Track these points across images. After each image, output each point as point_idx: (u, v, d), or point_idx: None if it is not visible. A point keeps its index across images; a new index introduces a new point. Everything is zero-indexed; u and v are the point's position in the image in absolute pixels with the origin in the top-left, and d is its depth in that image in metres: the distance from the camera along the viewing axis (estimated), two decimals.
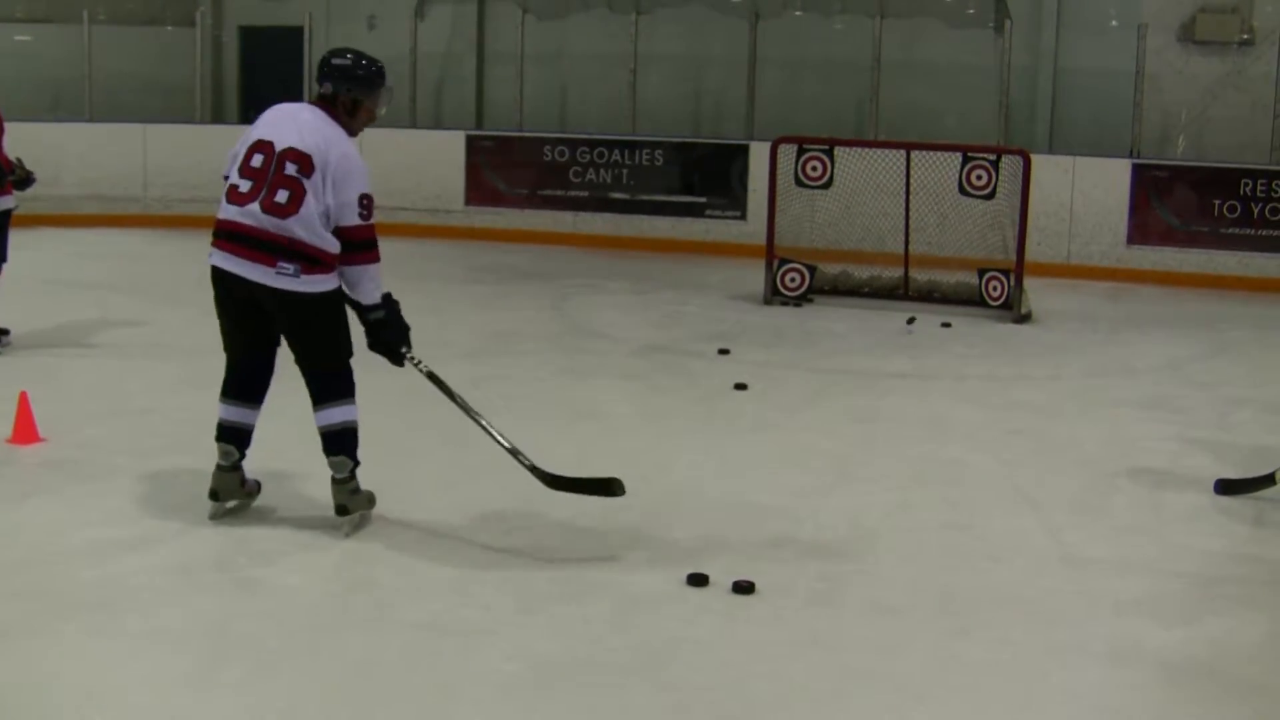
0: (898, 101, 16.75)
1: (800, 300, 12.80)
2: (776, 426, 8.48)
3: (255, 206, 5.92)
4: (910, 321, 11.84)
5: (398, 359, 6.37)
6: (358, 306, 6.20)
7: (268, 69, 20.09)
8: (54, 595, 5.38)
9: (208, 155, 16.93)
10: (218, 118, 20.02)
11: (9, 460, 7.16)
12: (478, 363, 9.85)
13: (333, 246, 5.98)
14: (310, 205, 5.92)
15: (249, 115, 20.01)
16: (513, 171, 17.13)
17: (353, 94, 6.24)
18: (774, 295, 12.82)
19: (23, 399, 7.41)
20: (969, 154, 12.39)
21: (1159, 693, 4.91)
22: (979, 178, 12.24)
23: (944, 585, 5.80)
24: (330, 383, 6.18)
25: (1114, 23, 16.98)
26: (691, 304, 12.79)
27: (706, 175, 16.62)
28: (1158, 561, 6.20)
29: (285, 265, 5.90)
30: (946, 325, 11.92)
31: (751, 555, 6.05)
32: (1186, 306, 13.55)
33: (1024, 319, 12.18)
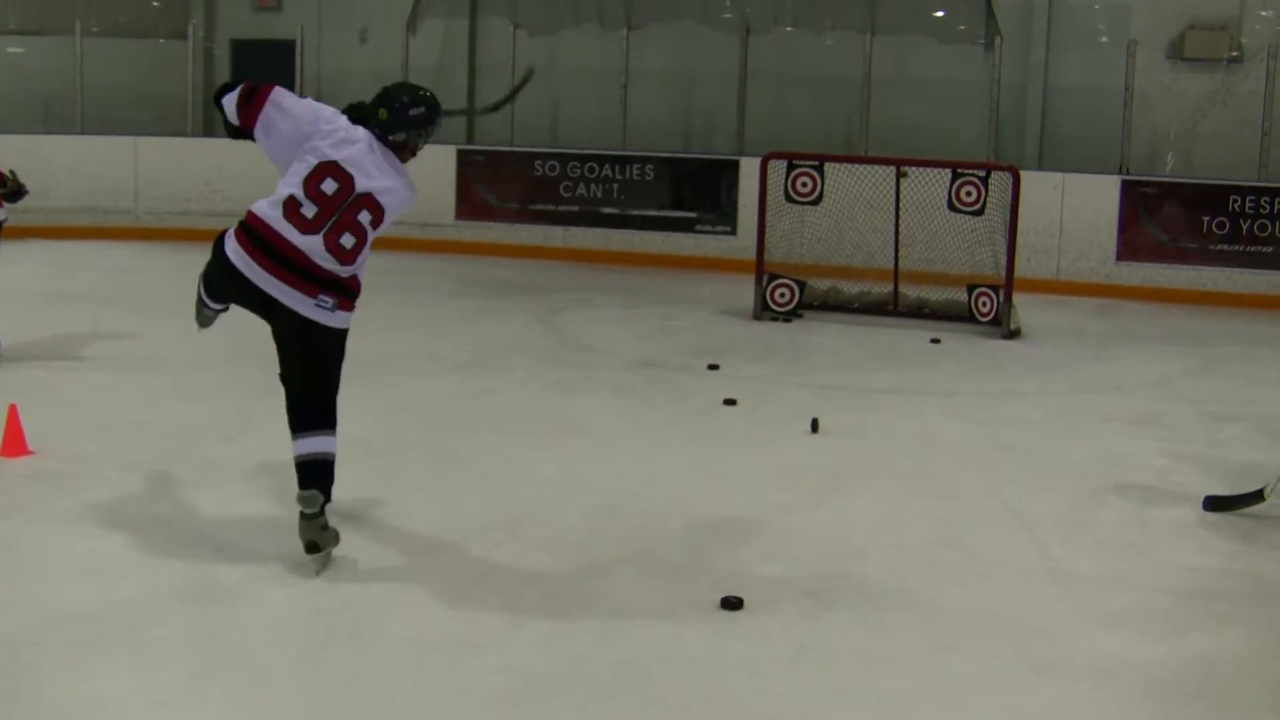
0: (888, 117, 16.79)
1: (790, 316, 12.81)
2: (766, 442, 8.48)
3: (318, 242, 5.79)
4: (935, 341, 11.91)
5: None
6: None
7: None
8: (42, 608, 5.37)
9: (199, 168, 17.10)
10: (209, 130, 19.97)
11: None
12: (467, 376, 9.87)
13: (362, 277, 5.99)
14: (368, 246, 5.94)
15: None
16: (503, 185, 17.14)
17: (420, 141, 6.19)
18: (764, 310, 12.84)
19: (12, 411, 7.40)
20: (959, 170, 12.42)
21: (1146, 709, 4.91)
22: (968, 194, 12.28)
23: (931, 600, 5.81)
24: (321, 412, 6.06)
25: (1103, 39, 17.03)
26: (681, 319, 12.80)
27: (697, 190, 16.64)
28: (1145, 578, 6.21)
29: (325, 299, 5.84)
30: (936, 341, 11.94)
31: (739, 570, 6.06)
32: (1175, 323, 13.58)
33: (1013, 335, 12.21)
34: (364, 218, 5.88)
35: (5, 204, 9.50)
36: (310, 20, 19.53)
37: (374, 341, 10.37)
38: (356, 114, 6.08)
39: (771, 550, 6.36)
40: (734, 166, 16.32)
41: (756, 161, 13.35)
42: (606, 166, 16.80)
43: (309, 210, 5.80)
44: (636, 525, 6.63)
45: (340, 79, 19.46)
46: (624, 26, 17.85)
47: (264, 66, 19.76)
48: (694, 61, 18.36)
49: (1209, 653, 5.39)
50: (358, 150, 5.94)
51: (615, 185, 16.75)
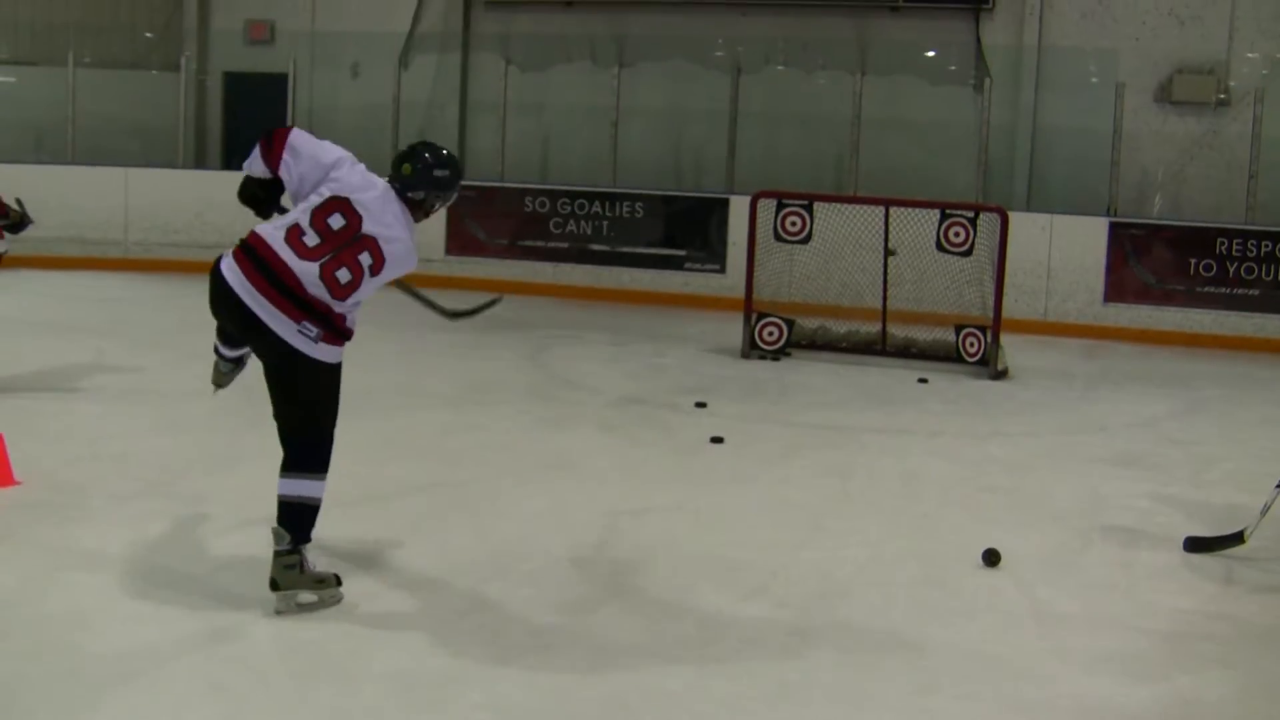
0: (878, 157, 16.85)
1: (778, 354, 12.84)
2: (752, 480, 8.49)
3: (314, 269, 5.75)
4: (922, 381, 11.91)
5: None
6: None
7: (251, 115, 20.11)
8: (24, 639, 5.37)
9: (189, 200, 17.12)
10: (200, 163, 20.07)
11: None
12: (455, 412, 9.88)
13: (354, 323, 5.96)
14: (361, 294, 5.90)
15: (231, 161, 20.12)
16: (493, 221, 17.18)
17: (438, 204, 6.22)
18: (752, 349, 12.86)
19: (0, 443, 7.41)
20: (947, 211, 12.46)
21: None
22: (957, 234, 12.31)
23: (915, 640, 5.82)
24: (307, 453, 5.97)
25: (1092, 81, 17.09)
26: (669, 356, 12.82)
27: (686, 228, 16.69)
28: (1128, 618, 6.22)
29: (309, 327, 5.76)
30: (923, 381, 11.96)
31: (724, 608, 6.07)
32: (1162, 364, 13.62)
33: (1000, 375, 12.24)
34: (364, 259, 5.84)
35: (7, 235, 9.54)
36: (303, 54, 19.58)
37: (361, 376, 10.37)
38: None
39: (756, 588, 6.37)
40: (724, 205, 16.38)
41: (746, 200, 13.40)
42: (596, 203, 16.84)
43: (311, 239, 5.78)
44: (622, 562, 6.64)
45: (332, 113, 19.53)
46: (615, 64, 17.94)
47: (255, 99, 19.87)
48: (685, 100, 18.43)
49: (1191, 695, 5.40)
50: (374, 196, 5.94)
51: (605, 222, 16.80)
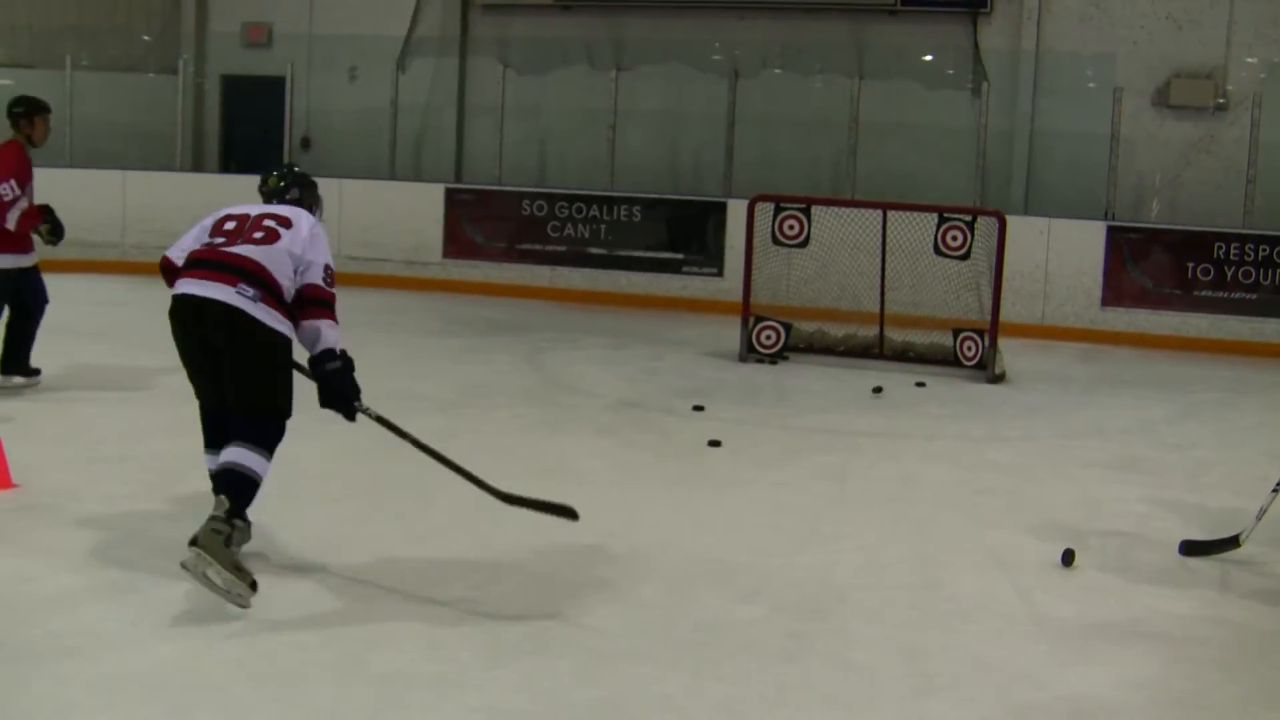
0: (875, 161, 16.87)
1: (775, 358, 12.84)
2: (749, 483, 8.49)
3: (229, 243, 6.30)
4: (877, 391, 11.77)
5: (351, 411, 6.38)
6: (314, 360, 6.27)
7: (249, 118, 20.17)
8: (23, 643, 5.36)
9: (187, 202, 16.97)
10: (198, 165, 20.08)
11: None
12: (450, 416, 9.87)
13: (290, 289, 6.26)
14: (283, 244, 6.29)
15: (229, 163, 20.17)
16: (491, 225, 17.20)
17: (313, 204, 6.96)
18: (749, 352, 12.86)
19: None
20: (945, 214, 12.46)
21: None
22: (954, 238, 12.31)
23: (912, 644, 5.81)
24: (257, 427, 6.17)
25: (1090, 86, 17.12)
26: (667, 360, 12.82)
27: (684, 232, 16.71)
28: (1125, 622, 6.21)
29: (245, 288, 6.11)
30: (921, 385, 11.96)
31: (720, 611, 6.07)
32: (1159, 368, 13.64)
33: (998, 379, 12.25)
34: (269, 222, 6.39)
35: (42, 241, 9.87)
36: (300, 57, 19.61)
37: (358, 380, 10.39)
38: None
39: (753, 591, 6.36)
40: (721, 208, 16.39)
41: (744, 204, 13.41)
42: (594, 207, 16.85)
43: (218, 240, 6.37)
44: (618, 566, 6.63)
45: (329, 116, 19.57)
46: (613, 68, 17.97)
47: (253, 102, 19.89)
48: (683, 103, 18.47)
49: (1188, 698, 5.39)
50: (242, 206, 6.63)
51: (603, 226, 16.81)
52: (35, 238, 9.92)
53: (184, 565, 5.71)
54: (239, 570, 5.74)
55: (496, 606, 6.02)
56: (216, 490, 6.05)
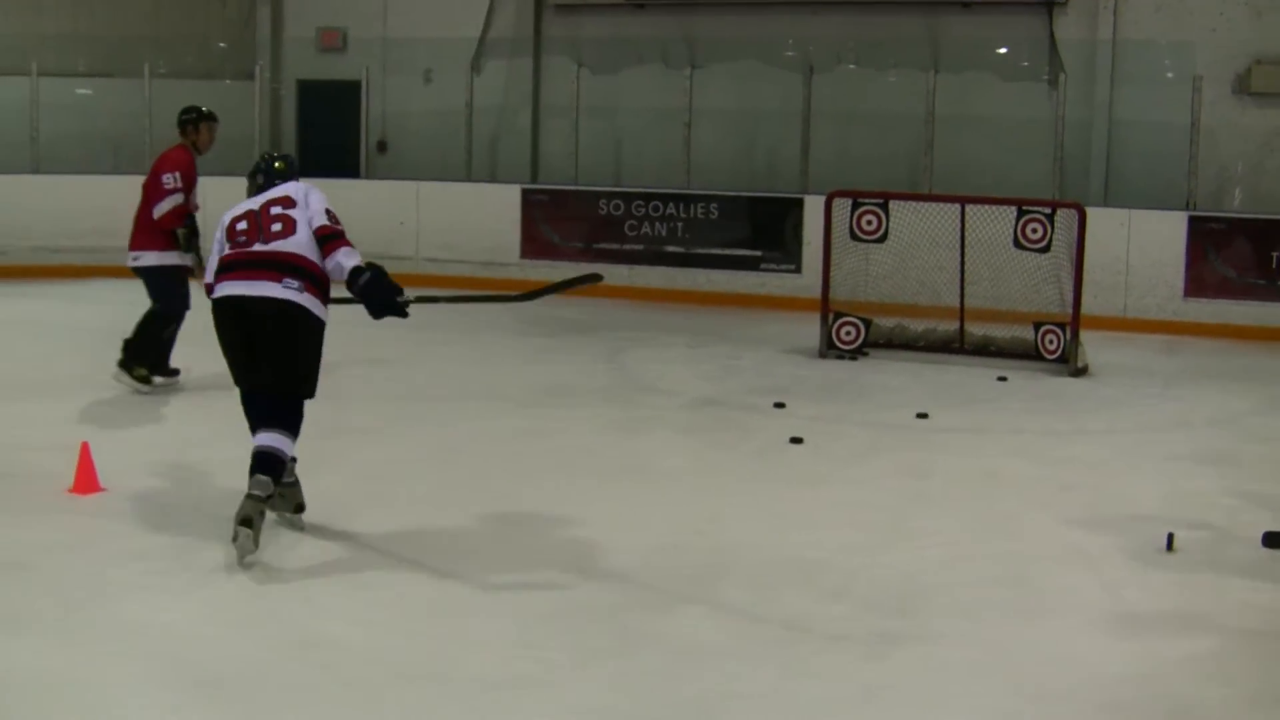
0: (951, 155, 16.77)
1: (855, 354, 12.79)
2: (831, 480, 8.47)
3: (257, 245, 6.76)
4: (1001, 379, 11.84)
5: (400, 308, 6.82)
6: (349, 283, 6.74)
7: (325, 122, 20.28)
8: (112, 641, 5.43)
9: None
10: None
11: (69, 510, 7.23)
12: (530, 416, 9.89)
13: (320, 264, 6.76)
14: (301, 227, 6.79)
15: (305, 168, 20.18)
16: (567, 225, 17.23)
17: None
18: (829, 349, 12.83)
19: (84, 450, 7.49)
20: (1024, 208, 12.37)
21: None
22: (1034, 231, 12.22)
23: (999, 640, 5.79)
24: (290, 414, 6.79)
25: (1169, 75, 16.95)
26: (746, 357, 12.80)
27: (761, 229, 16.67)
28: (1217, 618, 6.15)
29: (290, 281, 6.64)
30: (1002, 379, 11.89)
31: (805, 610, 6.06)
32: (1243, 359, 13.48)
33: (1080, 373, 12.15)
34: (276, 211, 6.86)
35: (187, 248, 10.34)
36: (375, 61, 19.73)
37: (437, 380, 10.45)
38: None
39: (838, 589, 6.35)
40: (798, 205, 16.34)
41: (821, 199, 13.36)
42: (670, 205, 16.84)
43: (240, 240, 6.83)
44: (703, 564, 6.63)
45: (404, 119, 19.67)
46: (687, 66, 17.94)
47: (329, 107, 20.02)
48: (757, 100, 18.42)
49: None
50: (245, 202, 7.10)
51: (679, 224, 16.79)
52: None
53: (237, 544, 6.36)
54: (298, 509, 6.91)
55: (583, 607, 6.03)
56: (255, 469, 6.58)
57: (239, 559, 6.32)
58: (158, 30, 20.33)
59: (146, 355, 10.15)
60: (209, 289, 6.88)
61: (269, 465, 6.60)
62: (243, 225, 6.88)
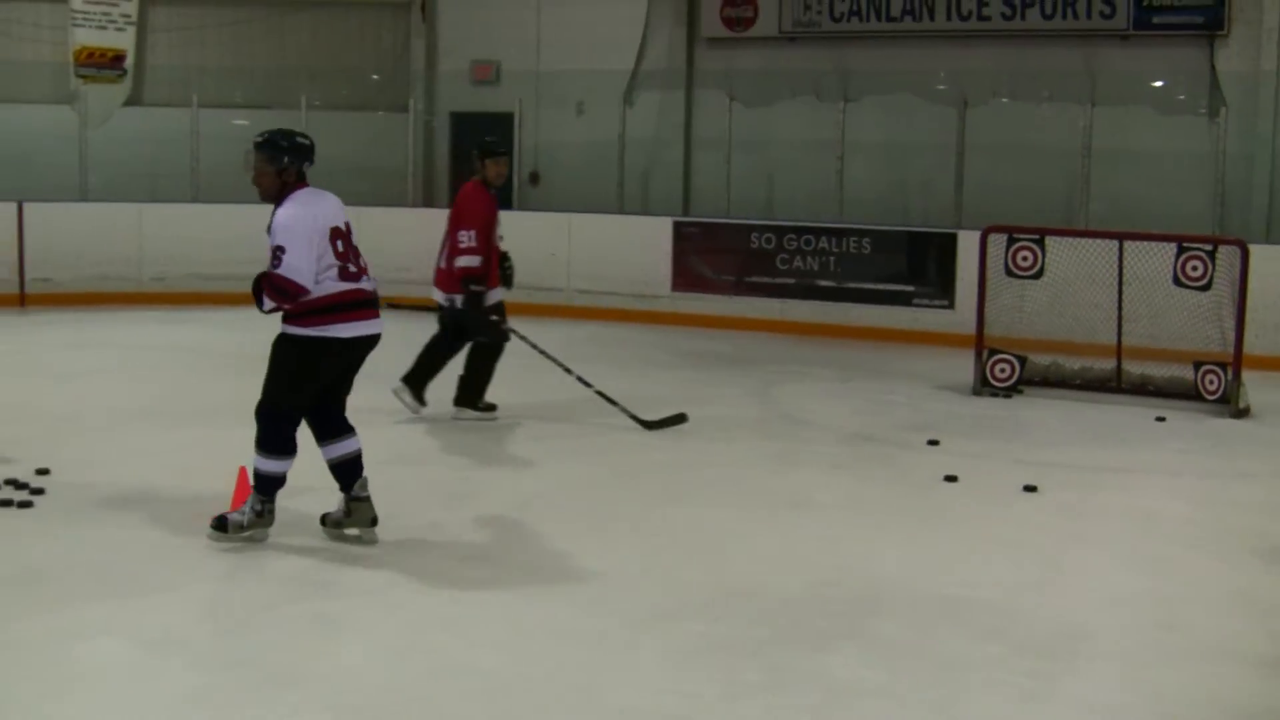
0: (1108, 189, 16.54)
1: (1010, 391, 12.63)
2: (986, 519, 8.36)
3: (363, 281, 7.28)
4: (1160, 419, 11.66)
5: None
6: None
7: None
8: (261, 668, 5.49)
9: (419, 238, 17.36)
10: (429, 201, 20.44)
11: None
12: (683, 450, 9.87)
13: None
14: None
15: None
16: (719, 258, 17.20)
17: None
18: (983, 386, 12.67)
19: (241, 474, 7.61)
20: (1184, 244, 12.15)
21: None
22: (1194, 268, 11.98)
23: (1156, 685, 5.67)
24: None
25: None
26: (898, 393, 12.69)
27: (914, 263, 16.54)
28: None
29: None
30: (1161, 419, 11.66)
31: (959, 650, 5.97)
32: None
33: (1242, 414, 11.88)
34: (352, 235, 7.48)
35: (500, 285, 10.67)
36: (528, 93, 19.91)
37: (588, 411, 10.46)
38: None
39: (994, 630, 6.25)
40: (952, 239, 16.16)
41: (975, 234, 13.21)
42: (822, 239, 16.75)
43: (352, 266, 7.28)
44: (856, 600, 6.58)
45: (557, 150, 19.81)
46: (839, 98, 17.88)
47: (482, 139, 20.21)
48: (910, 133, 18.31)
49: None
50: (324, 206, 7.64)
51: (831, 258, 16.70)
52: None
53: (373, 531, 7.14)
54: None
55: (734, 641, 6.00)
56: (355, 474, 7.27)
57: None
58: (314, 63, 20.72)
59: (470, 390, 10.50)
60: (297, 295, 7.08)
61: (356, 471, 7.39)
62: (341, 244, 7.24)
